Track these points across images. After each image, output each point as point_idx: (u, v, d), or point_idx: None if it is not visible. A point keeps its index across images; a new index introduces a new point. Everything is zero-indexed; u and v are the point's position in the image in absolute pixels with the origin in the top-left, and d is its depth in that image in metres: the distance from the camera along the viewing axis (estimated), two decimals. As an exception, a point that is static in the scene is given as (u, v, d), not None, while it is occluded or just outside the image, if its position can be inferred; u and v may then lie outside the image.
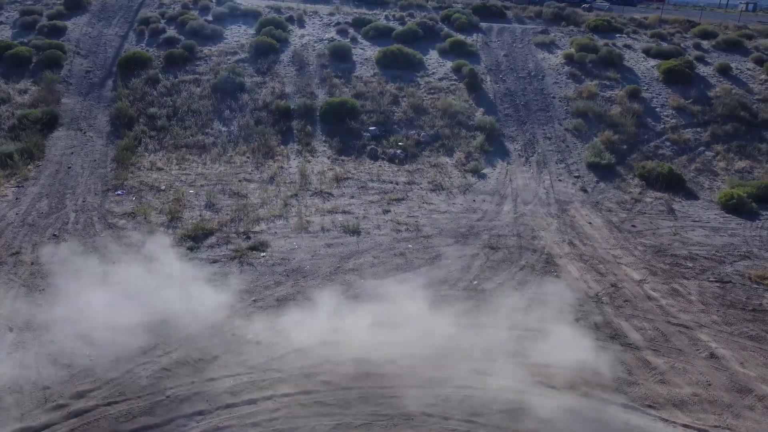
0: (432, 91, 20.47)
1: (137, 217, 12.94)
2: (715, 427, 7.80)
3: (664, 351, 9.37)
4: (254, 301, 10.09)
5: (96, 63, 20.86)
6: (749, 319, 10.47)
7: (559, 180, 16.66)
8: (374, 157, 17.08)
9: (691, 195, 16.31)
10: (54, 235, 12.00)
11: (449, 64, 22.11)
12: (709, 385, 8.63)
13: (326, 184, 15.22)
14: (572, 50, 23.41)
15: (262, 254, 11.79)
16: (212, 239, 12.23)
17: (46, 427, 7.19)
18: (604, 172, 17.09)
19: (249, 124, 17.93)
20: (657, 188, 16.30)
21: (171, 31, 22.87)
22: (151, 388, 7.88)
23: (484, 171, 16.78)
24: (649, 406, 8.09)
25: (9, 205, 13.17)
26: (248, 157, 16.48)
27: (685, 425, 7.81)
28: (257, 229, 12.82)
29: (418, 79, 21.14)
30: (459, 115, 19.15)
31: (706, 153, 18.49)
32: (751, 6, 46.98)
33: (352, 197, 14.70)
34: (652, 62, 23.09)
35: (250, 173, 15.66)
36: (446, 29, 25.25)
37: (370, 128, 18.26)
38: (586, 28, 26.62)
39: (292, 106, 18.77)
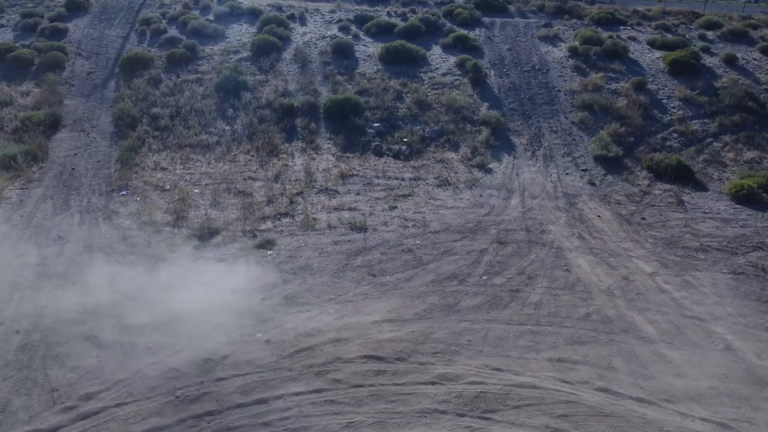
0: (436, 86, 20.32)
1: (142, 217, 12.85)
2: (734, 420, 7.66)
3: (679, 344, 9.23)
4: (262, 299, 9.98)
5: (98, 64, 20.77)
6: (764, 311, 10.32)
7: (567, 173, 16.50)
8: (379, 153, 16.94)
9: (700, 186, 16.13)
10: (59, 236, 11.91)
11: (452, 59, 21.94)
12: (726, 377, 8.49)
13: (331, 181, 15.10)
14: (576, 43, 23.23)
15: (269, 252, 11.68)
16: (218, 238, 12.13)
17: (55, 429, 7.10)
18: (611, 164, 16.92)
19: (252, 122, 17.81)
20: (665, 180, 16.12)
21: (172, 31, 22.77)
22: (160, 388, 7.78)
23: (491, 165, 16.63)
24: (666, 400, 7.96)
25: (13, 207, 13.09)
26: (252, 156, 16.36)
27: (703, 419, 7.67)
28: (263, 227, 12.71)
29: (422, 74, 20.99)
30: (463, 110, 19.00)
31: (714, 144, 18.30)
32: (754, -3, 46.57)
33: (358, 194, 14.57)
34: (657, 54, 22.88)
35: (255, 171, 15.55)
36: (449, 24, 25.09)
37: (374, 125, 18.12)
38: (589, 21, 26.42)
39: (295, 104, 18.64)
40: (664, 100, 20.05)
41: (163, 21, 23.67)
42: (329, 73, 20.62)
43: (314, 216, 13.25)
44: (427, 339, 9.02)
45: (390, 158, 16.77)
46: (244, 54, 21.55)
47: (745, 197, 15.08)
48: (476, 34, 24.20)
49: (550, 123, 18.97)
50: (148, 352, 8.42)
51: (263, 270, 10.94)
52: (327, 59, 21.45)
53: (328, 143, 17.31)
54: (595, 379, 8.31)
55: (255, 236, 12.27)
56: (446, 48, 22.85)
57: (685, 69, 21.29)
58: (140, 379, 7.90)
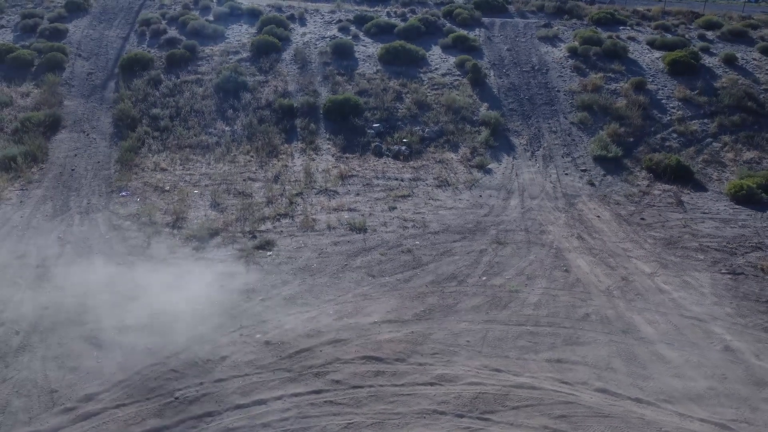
0: (435, 86, 20.33)
1: (142, 218, 12.86)
2: (733, 420, 7.67)
3: (678, 344, 9.24)
4: (262, 300, 9.99)
5: (98, 65, 20.79)
6: (763, 311, 10.32)
7: (566, 174, 16.51)
8: (379, 153, 16.95)
9: (699, 187, 16.14)
10: (59, 237, 11.93)
11: (452, 60, 21.96)
12: (725, 378, 8.50)
13: (331, 181, 15.11)
14: (576, 43, 23.24)
15: (269, 253, 11.69)
16: (218, 239, 12.14)
17: (54, 430, 7.11)
18: (610, 165, 16.93)
19: (252, 123, 17.83)
20: (665, 180, 16.13)
21: (172, 32, 22.80)
22: (159, 389, 7.79)
23: (490, 166, 16.65)
24: (665, 401, 7.96)
25: (13, 208, 13.10)
26: (252, 156, 16.38)
27: (702, 419, 7.68)
28: (263, 228, 12.73)
29: (421, 74, 21.00)
30: (463, 111, 19.02)
31: (714, 144, 18.31)
32: (754, -4, 46.57)
33: (358, 194, 14.58)
34: (657, 54, 22.90)
35: (255, 172, 15.56)
36: (448, 24, 25.11)
37: (374, 125, 18.14)
38: (589, 21, 26.44)
39: (295, 105, 18.66)
40: (663, 101, 20.06)
41: (163, 22, 23.70)
42: (329, 73, 20.64)
43: (314, 217, 13.26)
44: (426, 340, 9.04)
45: (389, 159, 16.79)
46: (244, 54, 21.57)
47: (744, 197, 15.09)
48: (476, 35, 24.21)
49: (549, 123, 18.99)
50: (147, 353, 8.43)
51: (263, 271, 10.96)
52: (327, 60, 21.47)
53: (328, 144, 17.32)
54: (594, 380, 8.32)
55: (255, 237, 12.28)
56: (446, 48, 22.87)
57: (685, 69, 21.31)
58: (140, 380, 7.92)
